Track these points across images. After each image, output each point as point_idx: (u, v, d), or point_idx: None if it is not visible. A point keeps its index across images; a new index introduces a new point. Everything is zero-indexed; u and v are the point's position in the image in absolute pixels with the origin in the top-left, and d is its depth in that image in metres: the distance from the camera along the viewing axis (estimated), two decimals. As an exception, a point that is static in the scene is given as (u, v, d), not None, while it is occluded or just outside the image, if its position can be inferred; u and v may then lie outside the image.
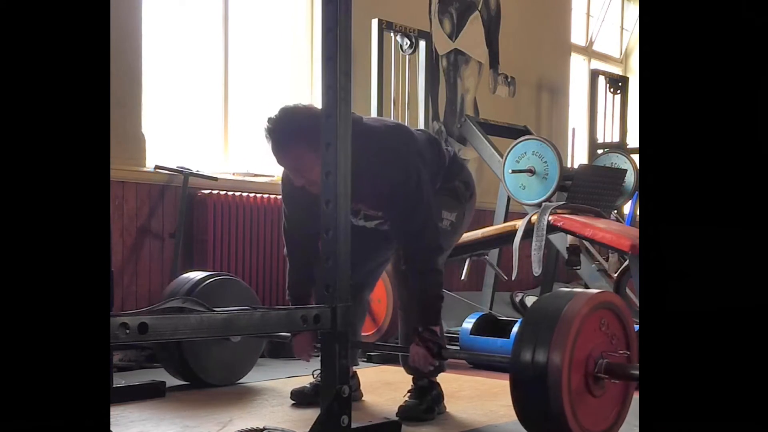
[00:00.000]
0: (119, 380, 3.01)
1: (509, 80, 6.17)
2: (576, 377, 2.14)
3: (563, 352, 2.08)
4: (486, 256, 4.58)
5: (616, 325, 2.29)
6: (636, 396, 1.86)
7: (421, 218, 2.49)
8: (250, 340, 3.24)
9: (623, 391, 2.32)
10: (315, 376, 2.87)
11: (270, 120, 2.48)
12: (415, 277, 2.52)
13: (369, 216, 2.66)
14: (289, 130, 2.44)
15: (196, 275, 3.15)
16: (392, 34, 4.54)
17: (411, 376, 2.79)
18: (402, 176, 2.47)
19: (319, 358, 2.08)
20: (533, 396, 2.12)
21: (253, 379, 3.35)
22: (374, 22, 4.42)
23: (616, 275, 4.33)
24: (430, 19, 5.53)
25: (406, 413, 2.61)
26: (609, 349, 2.24)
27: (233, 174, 4.43)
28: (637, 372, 2.17)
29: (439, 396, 2.74)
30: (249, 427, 2.25)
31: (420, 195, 2.48)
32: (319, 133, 2.08)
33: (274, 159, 2.55)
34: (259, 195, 4.33)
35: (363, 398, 2.95)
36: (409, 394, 2.73)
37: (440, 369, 2.76)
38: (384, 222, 2.66)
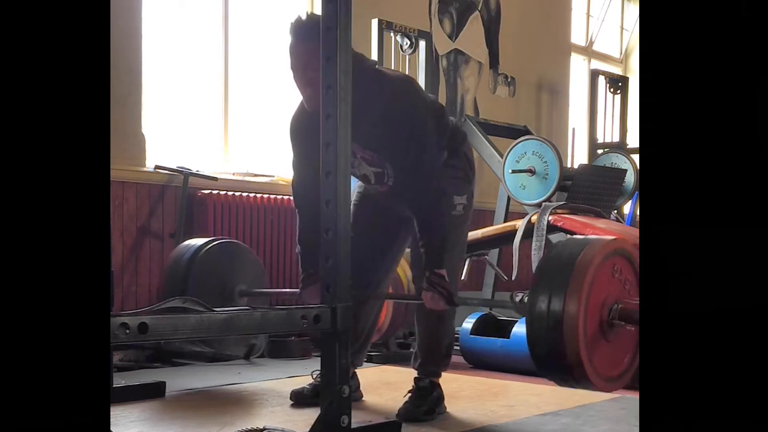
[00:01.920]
0: (119, 380, 3.01)
1: (509, 80, 6.17)
2: (591, 324, 2.16)
3: (579, 300, 2.10)
4: (486, 256, 4.58)
5: (629, 270, 2.30)
6: (636, 396, 1.86)
7: (428, 163, 2.53)
8: (256, 302, 3.17)
9: (636, 337, 2.33)
10: (314, 376, 2.87)
11: (299, 17, 2.54)
12: (421, 220, 2.54)
13: (365, 159, 2.62)
14: (311, 26, 2.42)
15: (198, 241, 3.11)
16: (392, 34, 4.54)
17: (412, 377, 2.79)
18: (411, 121, 2.52)
19: (319, 357, 2.08)
20: (550, 344, 2.14)
21: (252, 379, 3.35)
22: (374, 22, 4.42)
23: (616, 275, 4.33)
24: (430, 19, 5.53)
25: (407, 414, 2.61)
26: (622, 295, 2.26)
27: (233, 174, 4.43)
28: None
29: (440, 397, 2.75)
30: (249, 427, 2.25)
31: (427, 140, 2.54)
32: None
33: (290, 57, 2.54)
34: (259, 195, 4.33)
35: (363, 398, 2.95)
36: (409, 394, 2.73)
37: (445, 363, 2.79)
38: (383, 173, 2.63)
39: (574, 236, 2.65)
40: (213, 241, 3.08)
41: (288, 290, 3.21)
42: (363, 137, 2.48)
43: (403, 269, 3.58)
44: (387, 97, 2.52)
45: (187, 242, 3.16)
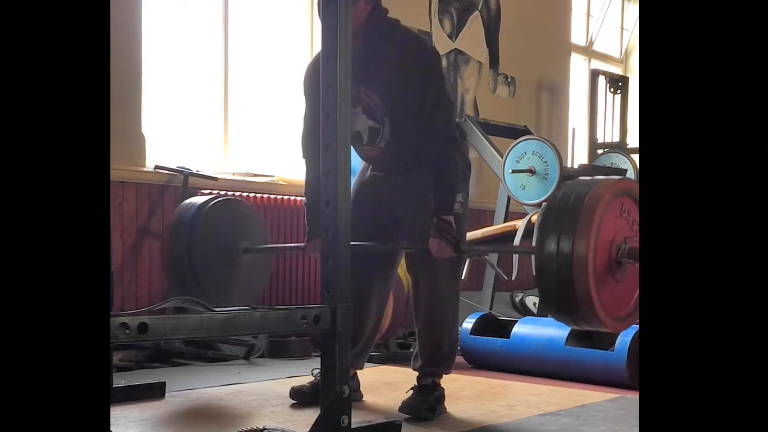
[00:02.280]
0: (119, 380, 3.01)
1: (509, 80, 6.17)
2: (600, 262, 2.18)
3: (588, 237, 2.12)
4: (486, 256, 4.58)
5: (636, 211, 2.31)
6: (636, 396, 1.87)
7: (444, 111, 2.59)
8: (261, 259, 3.16)
9: None
10: (314, 375, 2.87)
11: None
12: (434, 167, 2.57)
13: (369, 109, 2.62)
14: None
15: (201, 198, 3.09)
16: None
17: (412, 376, 2.79)
18: (430, 71, 2.59)
19: (319, 356, 2.08)
20: (560, 284, 2.16)
21: (252, 379, 3.35)
22: (374, 22, 4.41)
23: (616, 275, 4.33)
24: (430, 19, 5.53)
25: (409, 409, 2.61)
26: (630, 234, 2.27)
27: (233, 174, 4.43)
28: None
29: (441, 397, 2.74)
30: (249, 427, 2.25)
31: (443, 90, 2.63)
32: None
33: None
34: (259, 195, 4.33)
35: (363, 398, 2.95)
36: (411, 391, 2.73)
37: (446, 369, 2.79)
38: (378, 131, 2.63)
39: (581, 178, 2.68)
40: (215, 198, 3.07)
41: (292, 245, 3.20)
42: (373, 80, 2.54)
43: (403, 269, 3.58)
44: (407, 46, 2.59)
45: (189, 200, 3.14)
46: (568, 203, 2.21)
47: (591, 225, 2.14)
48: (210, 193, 4.08)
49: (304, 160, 2.82)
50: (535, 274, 2.22)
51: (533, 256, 2.33)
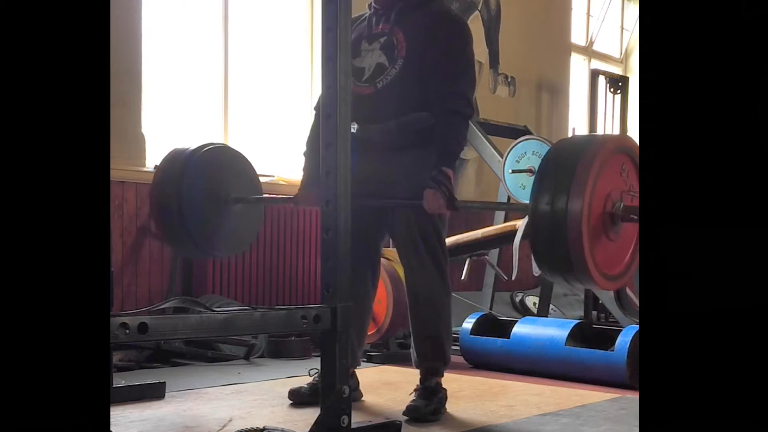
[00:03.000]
0: (119, 380, 3.01)
1: (509, 80, 6.17)
2: (595, 216, 2.16)
3: (583, 195, 2.10)
4: (486, 256, 4.58)
5: (634, 176, 2.30)
6: (636, 396, 1.87)
7: (469, 78, 2.66)
8: (251, 209, 3.12)
9: (635, 237, 2.32)
10: (312, 375, 2.87)
11: None
12: (440, 120, 2.59)
13: (389, 44, 2.65)
14: None
15: (190, 146, 3.03)
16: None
17: (415, 377, 2.79)
18: (464, 39, 2.66)
19: (318, 357, 2.08)
20: (552, 236, 2.14)
21: (252, 379, 3.35)
22: (374, 22, 4.41)
23: (616, 275, 4.33)
24: (430, 19, 5.53)
25: (414, 414, 2.60)
26: (624, 192, 2.26)
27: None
28: None
29: (444, 398, 2.74)
30: (249, 427, 2.25)
31: (472, 62, 2.71)
32: None
33: None
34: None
35: (363, 398, 2.95)
36: (415, 393, 2.72)
37: (444, 364, 2.78)
38: (385, 68, 2.63)
39: (578, 135, 2.68)
40: (206, 145, 3.00)
41: (284, 196, 3.15)
42: (406, 24, 2.61)
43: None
44: (444, 13, 2.73)
45: (176, 148, 3.08)
46: (566, 153, 2.20)
47: (588, 179, 2.11)
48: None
49: (314, 112, 2.84)
50: (529, 230, 2.19)
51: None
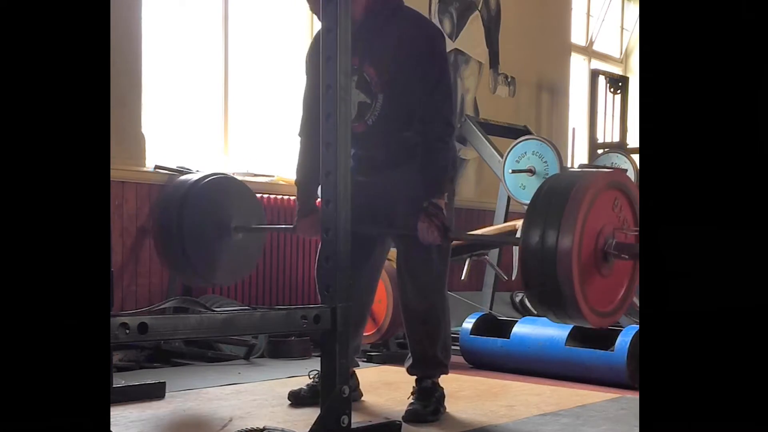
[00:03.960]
0: (119, 380, 3.01)
1: (509, 80, 6.17)
2: (586, 254, 2.13)
3: (573, 231, 2.07)
4: (486, 256, 4.58)
5: (628, 209, 2.27)
6: (636, 396, 1.86)
7: (444, 90, 2.56)
8: (252, 238, 3.14)
9: (630, 274, 2.30)
10: (311, 377, 2.87)
11: None
12: (425, 147, 2.55)
13: (364, 83, 2.60)
14: None
15: (193, 176, 3.05)
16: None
17: (413, 377, 2.79)
18: (432, 48, 2.58)
19: (318, 357, 2.08)
20: (542, 273, 2.11)
21: (252, 379, 3.35)
22: (374, 22, 4.41)
23: (616, 275, 4.32)
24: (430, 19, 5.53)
25: (414, 417, 2.59)
26: (616, 228, 2.22)
27: (233, 174, 4.43)
28: None
29: (442, 397, 2.74)
30: (249, 427, 2.25)
31: (446, 69, 2.61)
32: None
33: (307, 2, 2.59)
34: (259, 195, 4.33)
35: (363, 398, 2.95)
36: (412, 396, 2.72)
37: (444, 370, 2.77)
38: (370, 105, 2.61)
39: (569, 172, 2.63)
40: (208, 176, 3.03)
41: (284, 225, 3.19)
42: (374, 55, 2.54)
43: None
44: (415, 23, 2.60)
45: (181, 177, 3.11)
46: (558, 189, 2.17)
47: (578, 214, 2.08)
48: (207, 173, 4.05)
49: (299, 138, 2.81)
50: (518, 264, 2.18)
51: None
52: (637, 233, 2.23)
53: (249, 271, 3.28)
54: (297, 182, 2.80)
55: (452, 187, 2.76)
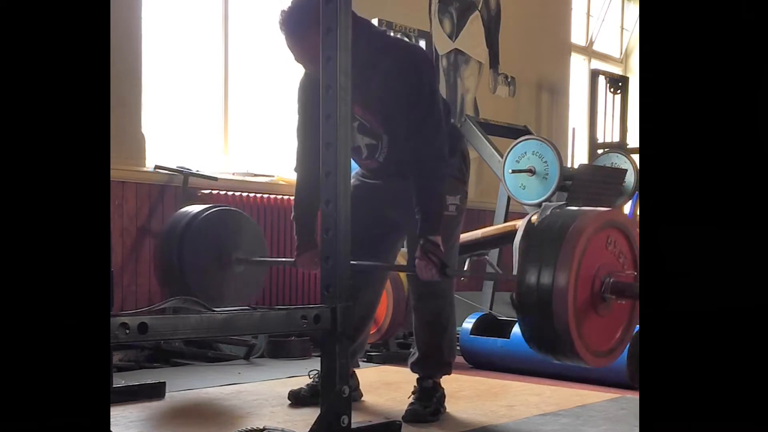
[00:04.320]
0: (119, 380, 3.01)
1: (509, 80, 6.17)
2: (582, 296, 2.11)
3: (569, 270, 2.05)
4: (486, 256, 4.57)
5: (624, 243, 2.25)
6: (636, 396, 1.86)
7: (433, 124, 2.49)
8: (254, 270, 3.16)
9: (629, 311, 2.28)
10: (311, 376, 2.87)
11: (283, 12, 2.51)
12: (419, 183, 2.49)
13: (364, 128, 2.59)
14: (301, 19, 2.44)
15: (196, 207, 3.07)
16: (392, 34, 4.54)
17: (414, 376, 2.79)
18: (416, 82, 2.48)
19: (318, 357, 2.08)
20: (538, 315, 2.10)
21: (252, 379, 3.35)
22: (374, 22, 4.42)
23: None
24: (430, 19, 5.53)
25: (414, 417, 2.60)
26: (616, 267, 2.21)
27: (233, 174, 4.43)
28: None
29: (443, 397, 2.74)
30: (249, 427, 2.25)
31: (433, 101, 2.50)
32: None
33: (290, 53, 2.55)
34: (259, 195, 4.33)
35: (363, 398, 2.95)
36: (413, 396, 2.73)
37: (447, 371, 2.78)
38: (376, 146, 2.61)
39: (569, 207, 2.59)
40: (210, 208, 3.04)
41: (285, 259, 3.19)
42: (367, 99, 2.48)
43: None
44: (397, 59, 2.51)
45: (183, 209, 3.12)
46: (551, 233, 2.14)
47: (573, 258, 2.06)
48: (210, 193, 4.09)
49: (296, 173, 2.78)
50: (515, 304, 2.16)
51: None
52: (634, 274, 2.24)
53: (252, 300, 3.29)
54: (295, 218, 2.76)
55: (464, 188, 2.75)
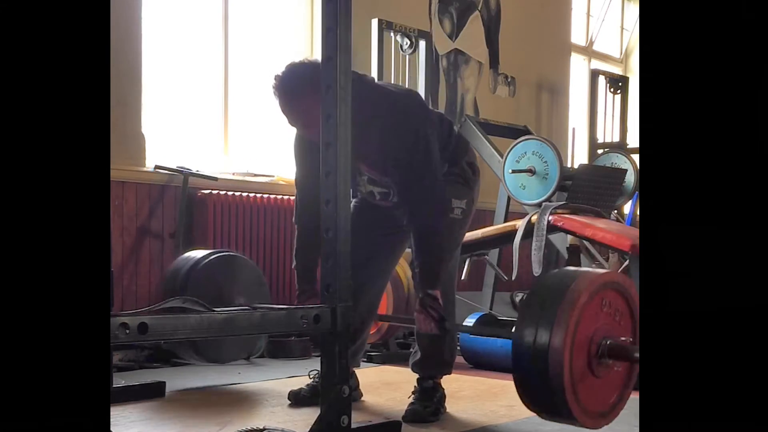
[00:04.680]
0: (119, 380, 3.01)
1: (509, 80, 6.17)
2: (578, 359, 2.11)
3: (565, 335, 2.06)
4: (486, 256, 4.58)
5: (619, 301, 2.25)
6: (636, 396, 1.85)
7: (429, 181, 2.49)
8: None
9: (627, 372, 2.29)
10: (311, 376, 2.87)
11: (277, 77, 2.48)
12: (417, 236, 2.50)
13: (373, 180, 2.63)
14: (296, 85, 2.43)
15: (198, 253, 3.10)
16: (392, 34, 4.54)
17: (414, 376, 2.79)
18: (412, 137, 2.48)
19: (318, 357, 2.08)
20: (535, 378, 2.11)
21: (252, 379, 3.35)
22: (374, 22, 4.42)
23: (616, 275, 4.32)
24: (430, 19, 5.53)
25: (413, 416, 2.60)
26: (613, 329, 2.21)
27: (233, 174, 4.43)
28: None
29: (443, 398, 2.74)
30: (249, 427, 2.25)
31: (429, 158, 2.50)
32: None
33: (284, 118, 2.52)
34: (259, 195, 4.33)
35: (363, 398, 2.95)
36: (413, 395, 2.73)
37: (448, 370, 2.78)
38: (388, 192, 2.63)
39: (566, 268, 2.60)
40: (213, 253, 3.08)
41: (286, 306, 3.19)
42: (368, 155, 2.47)
43: (403, 268, 3.58)
44: (391, 115, 2.49)
45: (186, 254, 3.17)
46: (548, 296, 2.14)
47: (569, 321, 2.06)
48: (210, 193, 4.10)
49: (296, 226, 2.77)
50: (512, 370, 2.18)
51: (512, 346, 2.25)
52: (630, 339, 2.25)
53: (253, 348, 3.30)
54: (297, 268, 2.75)
55: (471, 194, 2.75)
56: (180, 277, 2.95)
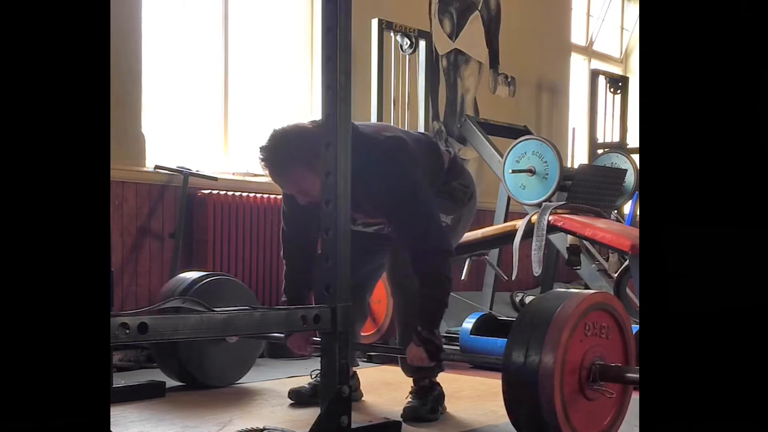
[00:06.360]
0: (119, 380, 3.01)
1: (509, 80, 6.17)
2: (569, 383, 2.12)
3: (555, 358, 2.06)
4: (486, 256, 4.58)
5: (607, 320, 2.26)
6: (636, 396, 1.85)
7: (423, 223, 2.43)
8: (249, 341, 3.23)
9: (620, 394, 2.30)
10: (313, 376, 2.87)
11: (263, 149, 2.44)
12: (423, 279, 2.46)
13: (368, 223, 2.64)
14: (283, 156, 2.40)
15: (192, 275, 3.13)
16: (392, 34, 4.53)
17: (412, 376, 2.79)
18: (398, 184, 2.43)
19: (318, 357, 2.08)
20: (525, 401, 2.10)
21: (252, 379, 3.35)
22: (374, 22, 4.42)
23: (616, 275, 4.33)
24: (430, 19, 5.53)
25: (411, 414, 2.60)
26: (604, 351, 2.21)
27: (233, 174, 4.43)
28: (633, 375, 2.16)
29: (441, 395, 2.74)
30: (249, 427, 2.25)
31: (418, 201, 2.44)
32: (313, 152, 2.16)
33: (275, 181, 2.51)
34: (259, 195, 4.33)
35: (363, 398, 2.95)
36: (410, 395, 2.73)
37: (439, 369, 2.76)
38: (384, 228, 2.63)
39: (556, 290, 2.58)
40: (206, 276, 3.10)
41: (276, 334, 3.18)
42: (362, 205, 2.42)
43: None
44: (378, 163, 2.42)
45: (179, 276, 3.19)
46: (537, 319, 2.14)
47: (558, 343, 2.07)
48: (210, 193, 4.10)
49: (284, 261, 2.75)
50: (502, 391, 2.16)
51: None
52: (619, 365, 2.25)
53: (246, 371, 3.32)
54: (284, 301, 2.72)
55: (459, 211, 2.76)
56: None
